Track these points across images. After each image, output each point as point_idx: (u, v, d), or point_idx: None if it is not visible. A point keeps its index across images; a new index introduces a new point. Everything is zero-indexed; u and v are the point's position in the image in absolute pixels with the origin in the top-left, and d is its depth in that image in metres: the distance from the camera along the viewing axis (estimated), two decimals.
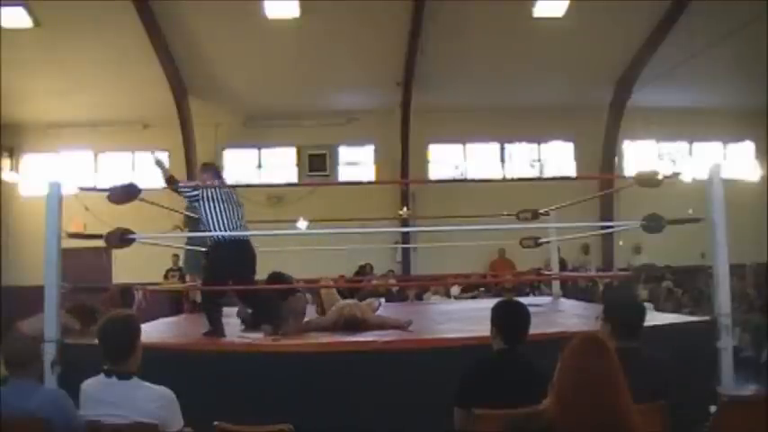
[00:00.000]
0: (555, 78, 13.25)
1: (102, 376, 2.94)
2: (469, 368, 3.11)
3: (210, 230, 5.00)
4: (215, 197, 5.00)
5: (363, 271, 13.72)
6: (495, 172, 14.80)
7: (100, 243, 4.96)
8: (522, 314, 3.22)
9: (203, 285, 5.16)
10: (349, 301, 5.70)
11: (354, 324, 5.21)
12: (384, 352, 4.40)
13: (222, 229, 4.96)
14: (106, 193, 5.10)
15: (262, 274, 8.66)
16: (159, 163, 5.17)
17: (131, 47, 11.87)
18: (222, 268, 5.04)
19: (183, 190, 5.12)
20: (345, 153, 14.81)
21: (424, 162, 14.64)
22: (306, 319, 5.37)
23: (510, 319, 3.21)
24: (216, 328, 4.98)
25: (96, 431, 2.85)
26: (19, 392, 2.96)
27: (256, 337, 4.90)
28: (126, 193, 5.22)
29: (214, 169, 5.40)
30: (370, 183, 14.44)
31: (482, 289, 11.81)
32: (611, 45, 12.72)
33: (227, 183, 5.38)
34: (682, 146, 15.20)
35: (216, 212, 4.99)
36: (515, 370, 3.05)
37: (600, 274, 12.67)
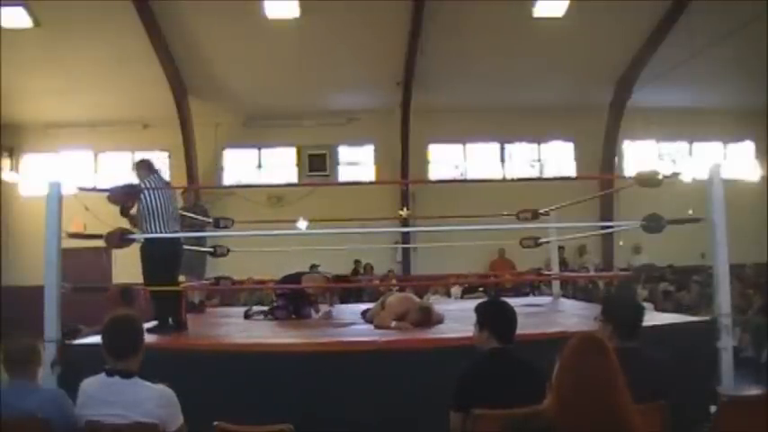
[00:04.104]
0: (555, 78, 13.25)
1: (102, 375, 2.94)
2: (467, 369, 3.11)
3: (148, 224, 5.22)
4: (154, 193, 5.28)
5: (358, 267, 13.73)
6: (495, 172, 14.79)
7: (100, 243, 4.98)
8: (513, 313, 3.25)
9: (147, 278, 5.29)
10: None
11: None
12: (384, 352, 4.40)
13: (157, 222, 5.22)
14: (106, 193, 5.12)
15: (258, 273, 8.72)
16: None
17: (131, 47, 11.85)
18: (156, 262, 5.19)
19: (144, 187, 5.30)
20: (345, 153, 14.80)
21: (424, 162, 14.63)
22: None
23: (503, 318, 3.22)
24: (163, 324, 5.17)
25: (96, 431, 2.85)
26: (18, 392, 2.96)
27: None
28: (126, 194, 5.25)
29: (149, 165, 5.59)
30: (370, 183, 14.43)
31: (481, 289, 11.81)
32: (611, 45, 12.70)
33: (162, 176, 5.63)
34: (682, 146, 15.19)
35: (155, 206, 5.24)
36: (511, 369, 3.06)
37: (600, 274, 12.67)
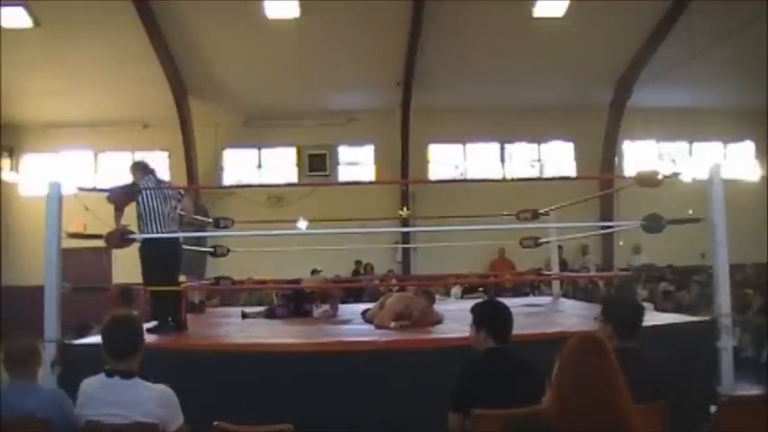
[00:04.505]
0: (555, 78, 13.24)
1: (102, 376, 2.94)
2: (464, 370, 3.11)
3: (146, 224, 5.24)
4: (151, 194, 5.30)
5: (359, 267, 13.73)
6: (495, 172, 14.79)
7: (100, 243, 4.98)
8: (509, 312, 3.26)
9: (146, 279, 5.29)
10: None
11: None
12: (384, 352, 4.40)
13: (154, 222, 5.25)
14: (106, 194, 5.13)
15: (258, 273, 8.79)
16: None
17: (131, 47, 11.85)
18: (155, 263, 5.21)
19: (144, 189, 5.31)
20: (345, 153, 14.79)
21: (424, 162, 14.63)
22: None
23: (499, 318, 3.24)
24: (163, 324, 5.18)
25: (96, 431, 2.85)
26: (18, 392, 2.96)
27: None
28: (125, 194, 5.25)
29: (144, 166, 5.60)
30: (370, 183, 14.44)
31: (481, 289, 11.81)
32: (611, 45, 12.70)
33: (158, 177, 5.64)
34: (682, 146, 15.18)
35: (152, 207, 5.26)
36: (508, 369, 3.07)
37: (600, 274, 12.67)
